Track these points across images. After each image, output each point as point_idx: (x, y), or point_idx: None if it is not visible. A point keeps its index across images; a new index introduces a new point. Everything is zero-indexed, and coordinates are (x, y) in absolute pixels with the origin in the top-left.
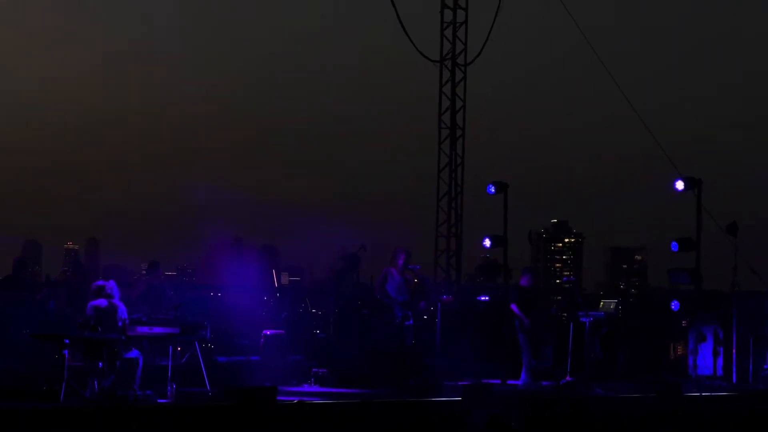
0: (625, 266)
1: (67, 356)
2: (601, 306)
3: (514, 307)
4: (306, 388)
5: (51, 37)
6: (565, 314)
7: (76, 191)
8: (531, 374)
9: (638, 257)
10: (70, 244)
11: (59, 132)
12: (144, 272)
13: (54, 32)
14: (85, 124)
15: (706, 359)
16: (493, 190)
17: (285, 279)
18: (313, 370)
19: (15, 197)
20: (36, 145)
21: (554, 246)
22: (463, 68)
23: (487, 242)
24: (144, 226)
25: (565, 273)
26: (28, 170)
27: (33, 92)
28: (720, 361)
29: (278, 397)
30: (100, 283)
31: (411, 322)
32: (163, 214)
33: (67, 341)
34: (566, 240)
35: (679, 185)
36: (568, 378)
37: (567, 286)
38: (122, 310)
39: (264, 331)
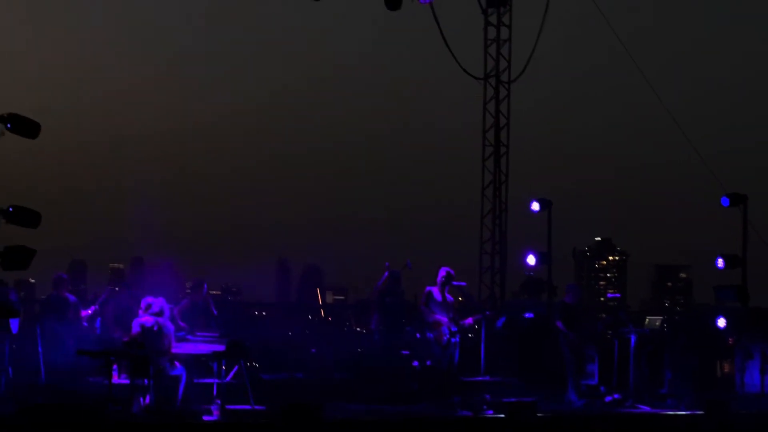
0: (669, 284)
1: (113, 373)
2: (646, 323)
3: (559, 323)
4: (351, 405)
5: (90, 63)
6: (610, 331)
7: (119, 211)
8: (576, 391)
9: (683, 275)
10: (114, 264)
11: (100, 151)
12: (189, 291)
13: (93, 57)
14: (126, 144)
15: (753, 377)
16: (536, 208)
17: (330, 297)
18: (359, 386)
19: (61, 216)
20: (81, 162)
21: (598, 264)
22: (506, 85)
23: (532, 259)
24: (188, 246)
25: (609, 290)
26: (73, 190)
27: (77, 113)
28: None
29: (324, 414)
30: (149, 300)
31: (456, 339)
32: (206, 233)
33: (113, 358)
34: (610, 258)
35: (725, 201)
36: (614, 395)
37: (612, 303)
38: (169, 328)
39: (311, 349)
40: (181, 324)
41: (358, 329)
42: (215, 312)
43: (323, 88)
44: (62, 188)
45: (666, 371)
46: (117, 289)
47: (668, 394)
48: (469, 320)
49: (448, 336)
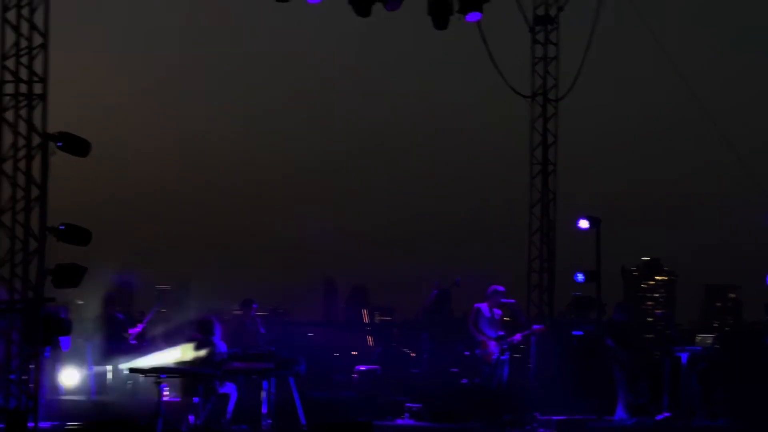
0: (719, 304)
1: (163, 391)
2: (698, 341)
3: (609, 341)
4: (400, 422)
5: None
6: (658, 353)
7: (166, 232)
8: (627, 409)
9: (732, 295)
10: (162, 285)
11: (144, 170)
12: (238, 310)
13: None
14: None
15: None
16: (585, 225)
17: (376, 318)
18: (407, 405)
19: (109, 237)
20: (127, 184)
21: (645, 284)
22: (554, 103)
23: (580, 277)
24: (235, 267)
25: (657, 311)
26: (121, 207)
27: (125, 137)
28: None
29: None
30: (203, 318)
31: (506, 357)
32: (254, 254)
33: (163, 376)
34: (658, 278)
35: None
36: (665, 413)
37: (661, 311)
38: (220, 346)
39: (357, 367)
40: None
41: (404, 350)
42: (263, 330)
43: (372, 106)
44: (109, 207)
45: (718, 390)
46: (164, 310)
47: (720, 412)
48: (518, 336)
49: (497, 354)
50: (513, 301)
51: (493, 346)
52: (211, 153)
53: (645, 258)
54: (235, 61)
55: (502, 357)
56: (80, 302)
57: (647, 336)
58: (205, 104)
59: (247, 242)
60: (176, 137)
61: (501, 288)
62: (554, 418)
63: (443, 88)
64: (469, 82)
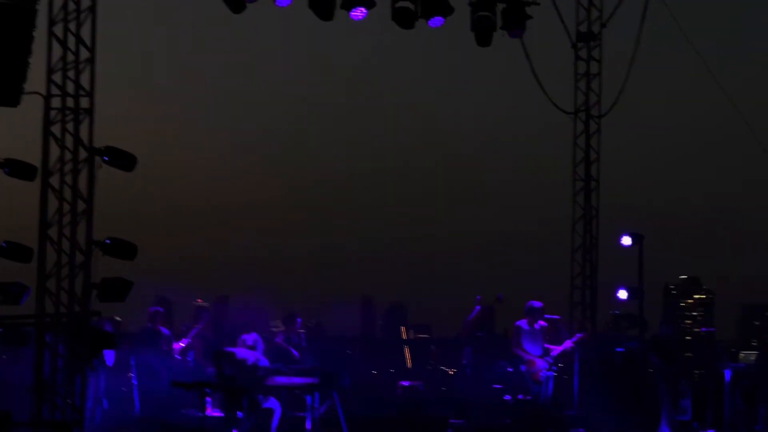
0: (757, 323)
1: (207, 406)
2: (741, 357)
3: (653, 357)
4: None
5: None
6: (697, 371)
7: (205, 248)
8: (670, 426)
9: None
10: (200, 301)
11: (184, 181)
12: (281, 324)
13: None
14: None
15: None
16: (628, 242)
17: (412, 335)
18: (450, 421)
19: (153, 252)
20: (166, 196)
21: (684, 302)
22: (597, 120)
23: (623, 294)
24: (272, 282)
25: (695, 329)
26: (159, 222)
27: (153, 154)
28: None
29: None
30: (245, 336)
31: (551, 373)
32: (292, 271)
33: (207, 390)
34: (696, 296)
35: None
36: (708, 430)
37: (698, 330)
38: (263, 362)
39: (400, 383)
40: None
41: (442, 368)
42: (305, 345)
43: (413, 121)
44: (153, 221)
45: (761, 407)
46: (204, 326)
47: (764, 430)
48: (567, 344)
49: (545, 371)
50: (557, 317)
51: (540, 364)
52: (252, 168)
53: (683, 276)
54: (276, 74)
55: (548, 373)
56: (119, 318)
57: (687, 354)
58: (247, 119)
59: (286, 259)
60: (220, 151)
61: (537, 304)
62: None
63: (486, 103)
64: (512, 99)
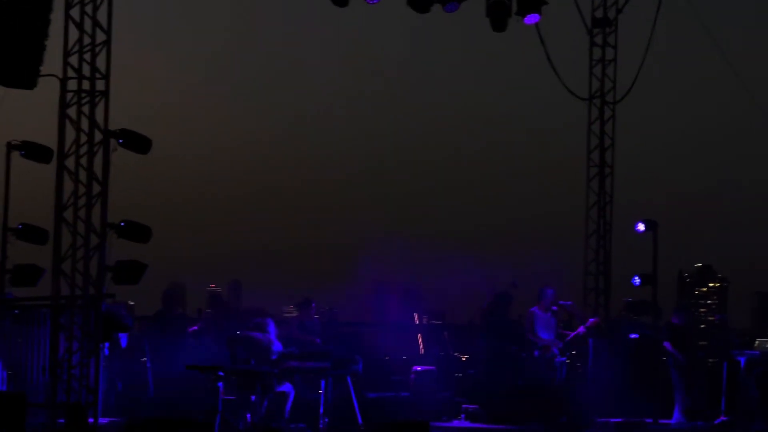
0: None
1: (221, 388)
2: (756, 345)
3: (667, 344)
4: (456, 423)
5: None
6: (711, 360)
7: (219, 232)
8: (684, 413)
9: None
10: (213, 286)
11: (199, 170)
12: (296, 308)
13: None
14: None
15: None
16: (642, 228)
17: (425, 321)
18: (464, 406)
19: (168, 235)
20: (180, 185)
21: (698, 290)
22: (611, 106)
23: (637, 280)
24: (286, 268)
25: (710, 317)
26: (172, 208)
27: (169, 136)
28: None
29: None
30: (258, 319)
31: (564, 359)
32: (306, 254)
33: (221, 373)
34: (711, 284)
35: None
36: (722, 417)
37: (716, 323)
38: (276, 345)
39: (414, 367)
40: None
41: (455, 354)
42: (319, 329)
43: (426, 106)
44: (168, 205)
45: None
46: (216, 311)
47: None
48: (580, 330)
49: (559, 357)
50: (570, 303)
51: (554, 349)
52: (267, 155)
53: (698, 264)
54: (286, 63)
55: (560, 359)
56: (131, 303)
57: (701, 343)
58: (263, 106)
59: (299, 245)
60: (236, 137)
61: (550, 289)
62: (612, 420)
63: (500, 89)
64: (527, 84)
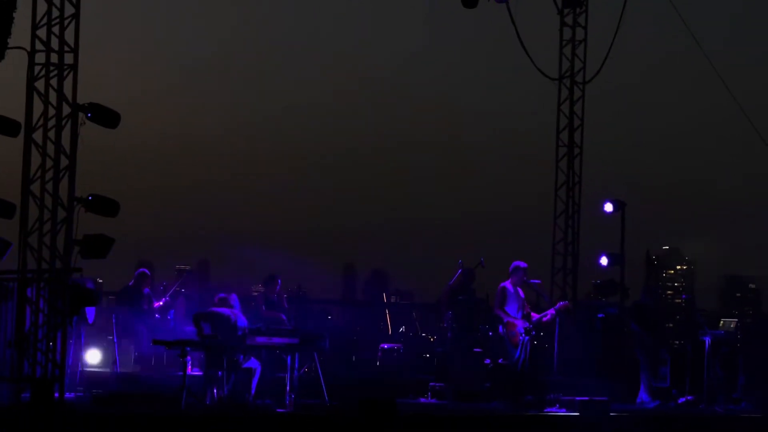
0: (738, 294)
1: (188, 364)
2: (721, 325)
3: (633, 325)
4: (423, 401)
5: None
6: (677, 342)
7: (186, 213)
8: (649, 392)
9: (752, 285)
10: (181, 266)
11: (169, 155)
12: (262, 285)
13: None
14: (192, 144)
15: None
16: (610, 209)
17: (394, 301)
18: (430, 384)
19: (135, 211)
20: (148, 167)
21: (666, 273)
22: (581, 86)
23: (604, 260)
24: (254, 250)
25: (677, 300)
26: (138, 192)
27: (135, 113)
28: None
29: (397, 410)
30: (223, 295)
31: (530, 336)
32: (273, 236)
33: (188, 349)
34: (678, 267)
35: None
36: (687, 397)
37: (680, 301)
38: (242, 321)
39: (381, 345)
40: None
41: (423, 334)
42: (287, 305)
43: (391, 86)
44: (136, 180)
45: (740, 375)
46: (184, 290)
47: (741, 397)
48: (546, 315)
49: (523, 335)
50: (538, 281)
51: (519, 327)
52: (238, 134)
53: (666, 247)
54: (263, 44)
55: (525, 338)
56: (100, 280)
57: (668, 325)
58: (238, 84)
59: (269, 226)
60: (208, 113)
61: (523, 264)
62: (577, 399)
63: (470, 68)
64: (497, 64)
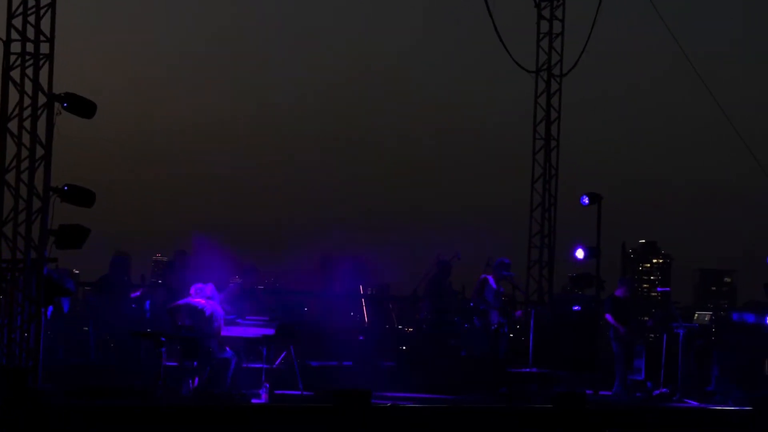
0: (713, 288)
1: (164, 355)
2: (695, 318)
3: (609, 317)
4: (398, 393)
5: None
6: (652, 335)
7: (164, 204)
8: (624, 385)
9: (727, 279)
10: (158, 256)
11: (147, 145)
12: (238, 279)
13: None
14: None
15: None
16: (586, 201)
17: (370, 293)
18: (406, 375)
19: (105, 209)
20: (125, 158)
21: (642, 266)
22: (558, 79)
23: (581, 253)
24: (232, 240)
25: (653, 293)
26: (116, 182)
27: (115, 105)
28: None
29: (372, 401)
30: (200, 285)
31: (505, 329)
32: (252, 228)
33: (163, 339)
34: (654, 260)
35: None
36: (661, 389)
37: (659, 297)
38: (218, 312)
39: (357, 336)
40: (230, 308)
41: (399, 327)
42: (263, 297)
43: (373, 80)
44: (112, 171)
45: (714, 367)
46: (161, 282)
47: (715, 390)
48: (519, 312)
49: (496, 325)
50: (512, 274)
51: (494, 317)
52: (216, 124)
53: (642, 241)
54: (243, 44)
55: (501, 330)
56: (76, 271)
57: (643, 318)
58: (212, 72)
59: (244, 216)
60: (184, 101)
61: (507, 260)
62: (551, 391)
63: (448, 62)
64: (474, 57)
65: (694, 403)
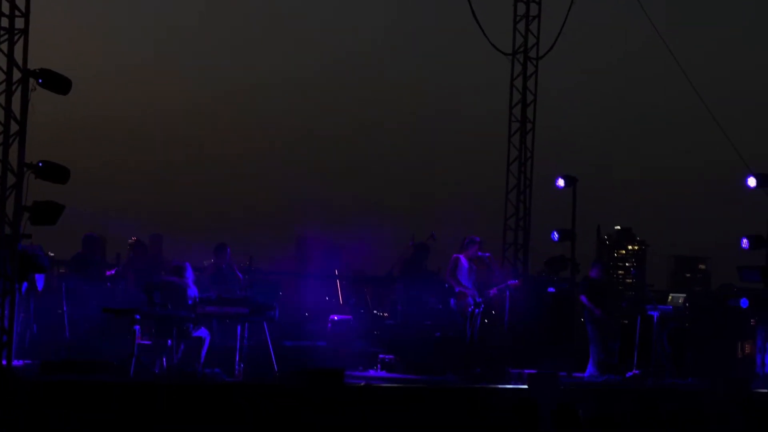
0: (688, 275)
1: (137, 332)
2: (669, 300)
3: (583, 298)
4: (372, 373)
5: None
6: (626, 320)
7: (140, 188)
8: (598, 366)
9: (702, 266)
10: (134, 239)
11: (124, 133)
12: (212, 255)
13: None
14: (143, 123)
15: None
16: (561, 184)
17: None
18: (380, 356)
19: (80, 190)
20: (99, 144)
21: (617, 252)
22: (534, 62)
23: (555, 236)
24: (207, 225)
25: (628, 279)
26: (91, 168)
27: (89, 90)
28: None
29: (345, 380)
30: (176, 263)
31: (480, 310)
32: (225, 212)
33: (138, 317)
34: (629, 247)
35: (751, 182)
36: (634, 371)
37: (631, 280)
38: (193, 290)
39: (331, 317)
40: (207, 287)
41: (375, 311)
42: (240, 275)
43: (344, 64)
44: (88, 147)
45: (687, 349)
46: (135, 263)
47: (689, 371)
48: (494, 291)
49: (473, 307)
50: (488, 254)
51: (470, 298)
52: (190, 107)
53: (617, 227)
54: (221, 26)
55: (477, 310)
56: (52, 254)
57: (618, 302)
58: (199, 60)
59: (219, 200)
60: (161, 80)
61: (477, 238)
62: (525, 371)
63: (424, 44)
64: (450, 39)
65: (667, 385)
